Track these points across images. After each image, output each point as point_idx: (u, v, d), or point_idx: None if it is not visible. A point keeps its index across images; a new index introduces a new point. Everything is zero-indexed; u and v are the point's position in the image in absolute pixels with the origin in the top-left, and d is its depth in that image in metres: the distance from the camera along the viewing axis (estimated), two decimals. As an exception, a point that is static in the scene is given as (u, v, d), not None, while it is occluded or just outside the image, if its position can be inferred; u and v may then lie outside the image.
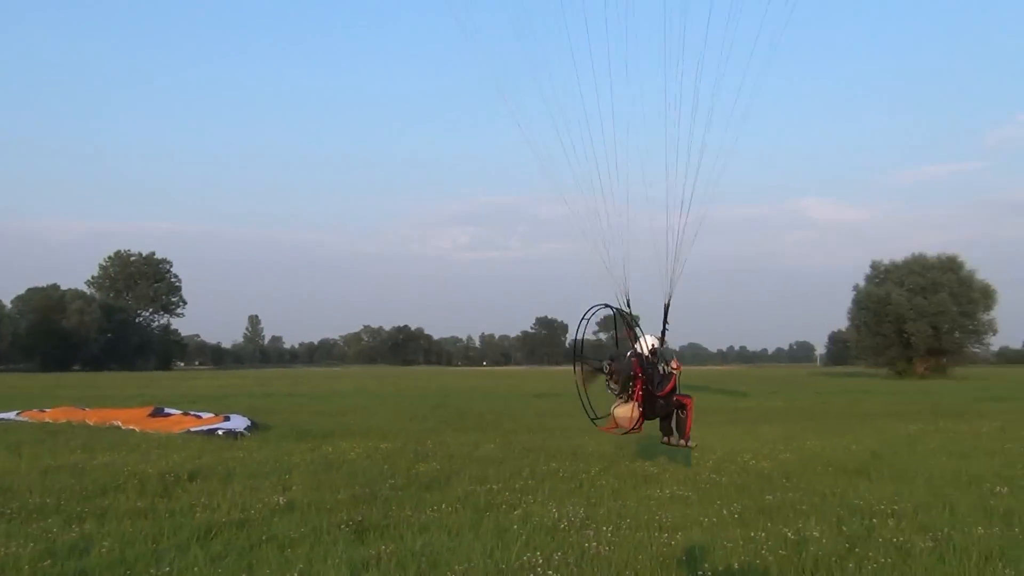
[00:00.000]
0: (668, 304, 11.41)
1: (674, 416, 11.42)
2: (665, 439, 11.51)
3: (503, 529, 10.78)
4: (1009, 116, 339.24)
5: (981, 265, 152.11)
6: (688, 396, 11.29)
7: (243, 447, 19.73)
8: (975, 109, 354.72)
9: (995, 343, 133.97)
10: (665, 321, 10.59)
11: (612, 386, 10.35)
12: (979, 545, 10.00)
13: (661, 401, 10.54)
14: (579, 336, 10.69)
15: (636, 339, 10.00)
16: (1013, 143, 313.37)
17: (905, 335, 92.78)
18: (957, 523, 11.31)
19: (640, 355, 10.11)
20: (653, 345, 10.42)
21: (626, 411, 10.08)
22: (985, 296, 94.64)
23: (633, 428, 10.38)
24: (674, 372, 10.89)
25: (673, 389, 11.00)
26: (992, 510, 12.26)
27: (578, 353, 10.86)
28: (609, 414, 10.23)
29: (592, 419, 10.39)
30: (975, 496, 13.47)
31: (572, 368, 11.06)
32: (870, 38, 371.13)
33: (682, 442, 10.96)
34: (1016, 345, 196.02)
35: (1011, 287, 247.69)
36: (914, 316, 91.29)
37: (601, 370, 10.20)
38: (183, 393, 49.71)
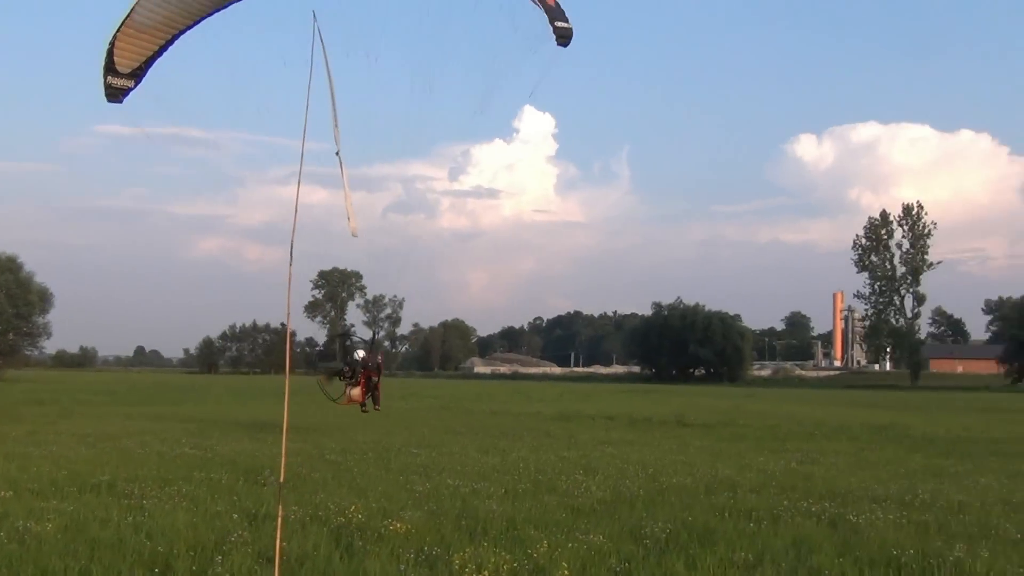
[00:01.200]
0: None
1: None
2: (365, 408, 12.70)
3: None
4: (84, 127, 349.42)
5: (40, 268, 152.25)
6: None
7: None
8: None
9: (51, 346, 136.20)
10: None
11: (347, 379, 12.39)
12: None
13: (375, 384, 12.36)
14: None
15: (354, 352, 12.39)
16: (85, 150, 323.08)
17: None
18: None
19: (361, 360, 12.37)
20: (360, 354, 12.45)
21: (357, 391, 12.11)
22: (42, 299, 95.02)
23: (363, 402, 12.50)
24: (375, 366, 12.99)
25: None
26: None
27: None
28: (345, 394, 12.13)
29: (334, 400, 12.15)
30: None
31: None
32: None
33: (373, 408, 12.55)
34: (73, 349, 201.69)
35: (68, 290, 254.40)
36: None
37: (340, 373, 12.16)
38: None
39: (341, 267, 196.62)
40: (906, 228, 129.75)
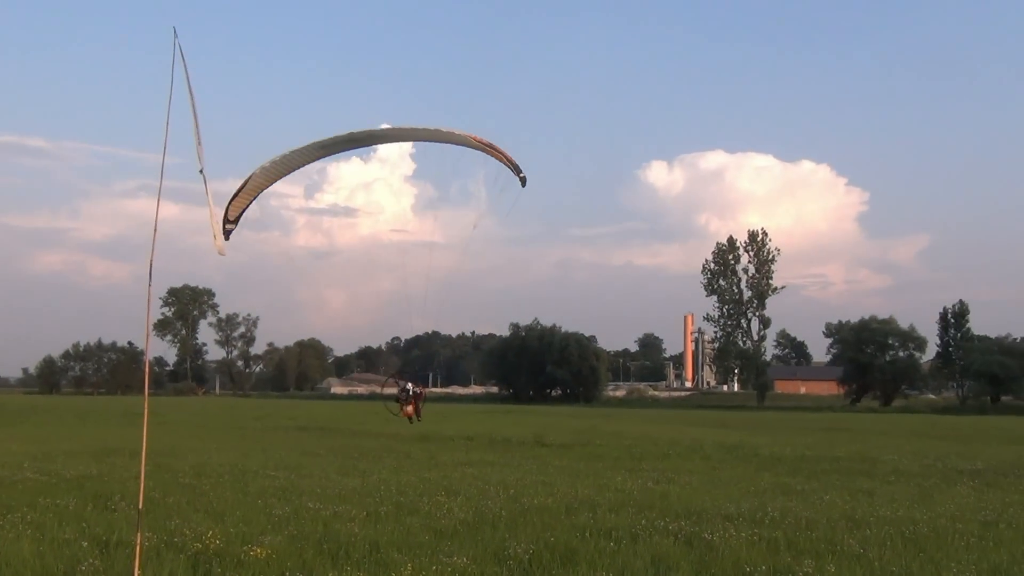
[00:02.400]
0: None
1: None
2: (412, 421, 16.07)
3: None
4: None
5: None
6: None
7: None
8: None
9: None
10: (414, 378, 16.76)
11: (402, 401, 15.65)
12: None
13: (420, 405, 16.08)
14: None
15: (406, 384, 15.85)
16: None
17: None
18: None
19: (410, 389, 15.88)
20: (411, 385, 15.99)
21: (410, 408, 15.26)
22: None
23: (413, 416, 15.78)
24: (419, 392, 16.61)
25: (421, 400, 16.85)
26: None
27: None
28: (401, 411, 15.26)
29: (395, 414, 15.51)
30: None
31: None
32: None
33: (417, 419, 15.84)
34: None
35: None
36: None
37: (398, 398, 15.43)
38: None
39: (192, 284, 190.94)
40: (752, 254, 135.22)
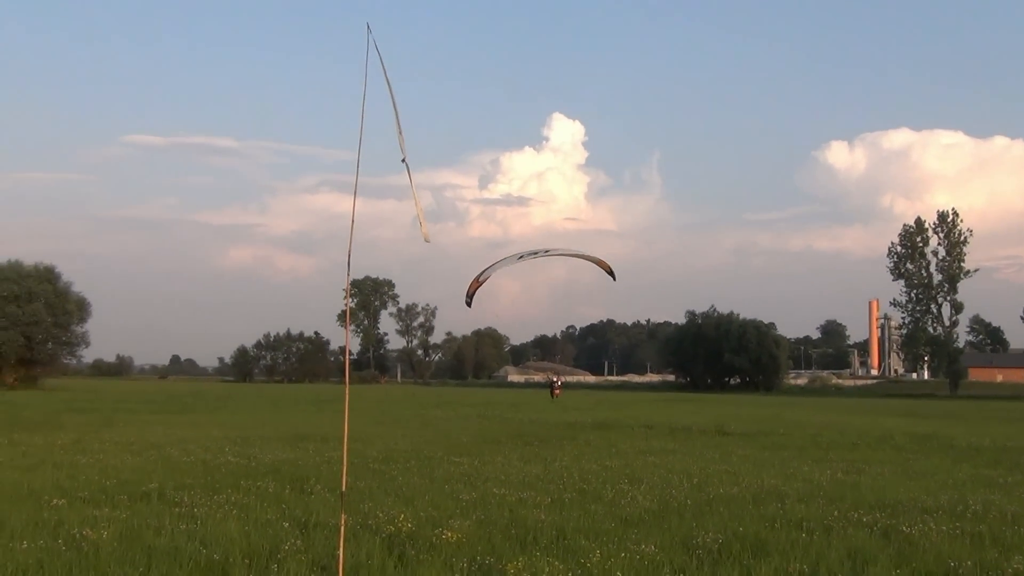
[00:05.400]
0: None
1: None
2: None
3: None
4: (112, 137, 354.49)
5: (75, 278, 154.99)
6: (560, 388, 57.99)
7: None
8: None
9: (89, 355, 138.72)
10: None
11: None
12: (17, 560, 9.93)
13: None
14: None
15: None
16: (114, 160, 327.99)
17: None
18: (5, 537, 11.11)
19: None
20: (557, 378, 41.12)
21: (559, 393, 38.80)
22: (80, 308, 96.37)
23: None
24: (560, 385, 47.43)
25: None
26: (45, 522, 12.34)
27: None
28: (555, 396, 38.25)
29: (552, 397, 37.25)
30: (30, 509, 13.42)
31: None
32: None
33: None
34: (110, 358, 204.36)
35: (104, 300, 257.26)
36: (7, 325, 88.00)
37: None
38: None
39: (373, 276, 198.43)
40: (941, 235, 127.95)
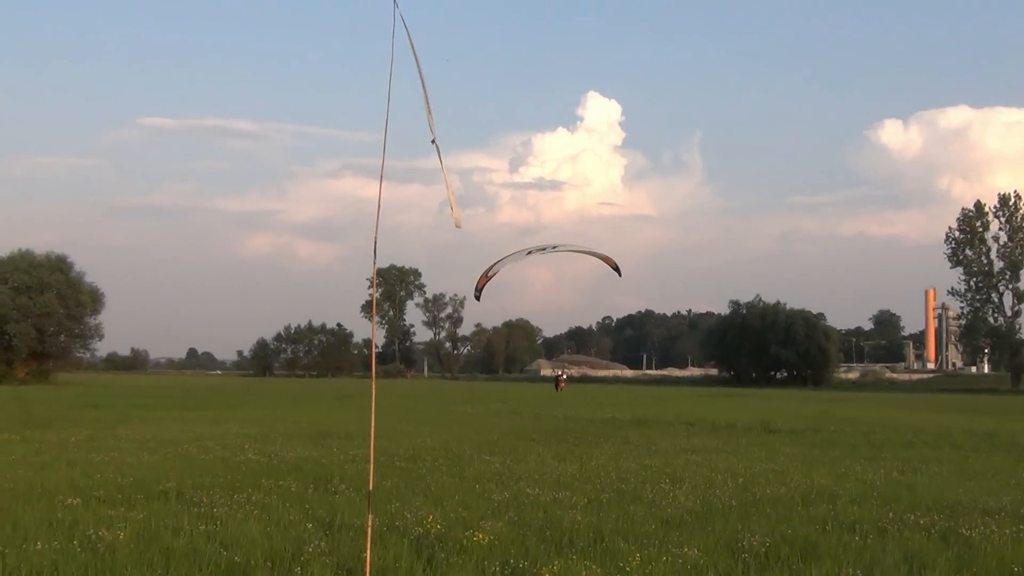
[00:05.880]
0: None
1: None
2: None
3: None
4: (130, 120, 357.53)
5: (89, 267, 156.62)
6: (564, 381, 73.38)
7: None
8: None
9: (103, 348, 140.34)
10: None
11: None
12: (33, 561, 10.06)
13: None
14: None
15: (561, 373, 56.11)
16: (127, 143, 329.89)
17: (7, 337, 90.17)
18: (19, 538, 11.26)
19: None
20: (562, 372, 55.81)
21: (564, 386, 48.07)
22: (93, 300, 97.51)
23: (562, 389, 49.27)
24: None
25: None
26: (59, 522, 12.50)
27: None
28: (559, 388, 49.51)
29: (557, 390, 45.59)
30: (44, 509, 13.60)
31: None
32: None
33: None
34: (124, 351, 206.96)
35: (117, 291, 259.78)
36: (18, 317, 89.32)
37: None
38: None
39: (398, 264, 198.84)
40: (1003, 220, 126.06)
